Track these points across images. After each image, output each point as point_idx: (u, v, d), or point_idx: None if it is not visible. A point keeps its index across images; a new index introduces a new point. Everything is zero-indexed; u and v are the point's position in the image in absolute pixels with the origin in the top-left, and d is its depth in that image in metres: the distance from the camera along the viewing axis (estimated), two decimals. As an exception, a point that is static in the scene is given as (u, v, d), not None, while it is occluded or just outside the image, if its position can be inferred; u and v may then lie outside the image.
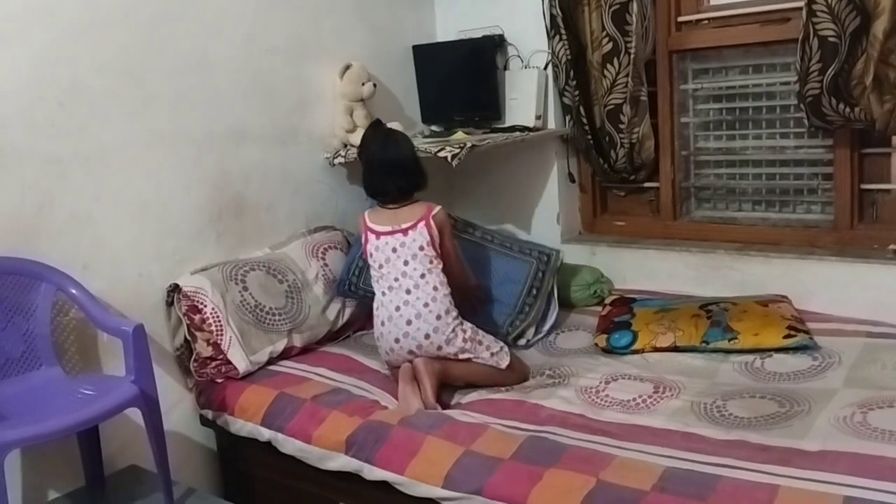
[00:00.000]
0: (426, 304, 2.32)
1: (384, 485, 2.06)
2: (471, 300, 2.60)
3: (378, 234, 2.40)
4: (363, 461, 2.09)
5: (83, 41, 2.27)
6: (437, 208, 2.44)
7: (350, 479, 2.15)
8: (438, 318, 2.32)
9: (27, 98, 2.16)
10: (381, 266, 2.39)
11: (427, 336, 2.31)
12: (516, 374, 2.41)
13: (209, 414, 2.50)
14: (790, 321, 2.44)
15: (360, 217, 2.50)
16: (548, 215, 3.27)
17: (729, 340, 2.41)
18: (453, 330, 2.33)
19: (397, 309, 2.34)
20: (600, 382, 2.30)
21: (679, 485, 1.71)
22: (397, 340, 2.34)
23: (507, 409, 2.18)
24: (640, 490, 1.71)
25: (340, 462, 2.14)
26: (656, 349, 2.48)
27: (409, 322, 2.32)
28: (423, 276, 2.35)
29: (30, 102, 2.16)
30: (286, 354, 2.59)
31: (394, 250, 2.38)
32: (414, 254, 2.37)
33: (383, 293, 2.38)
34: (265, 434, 2.32)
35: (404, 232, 2.38)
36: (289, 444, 2.26)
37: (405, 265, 2.36)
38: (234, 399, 2.42)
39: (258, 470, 2.48)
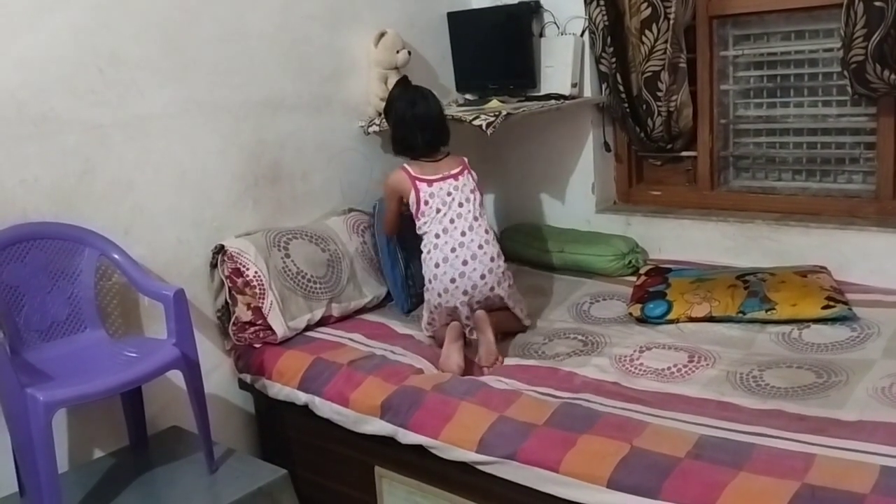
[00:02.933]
0: (480, 246, 2.43)
1: (418, 448, 2.09)
2: None
3: (430, 182, 2.47)
4: (398, 425, 2.12)
5: (122, 9, 2.29)
6: (466, 160, 2.57)
7: (385, 442, 2.18)
8: (492, 259, 2.44)
9: (68, 66, 2.19)
10: (438, 209, 2.46)
11: (483, 276, 2.41)
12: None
13: (247, 378, 2.55)
14: (829, 292, 2.41)
15: (397, 173, 2.52)
16: (583, 185, 3.25)
17: (766, 311, 2.39)
18: (503, 272, 2.46)
19: (453, 250, 2.41)
20: (635, 351, 2.30)
21: (714, 452, 1.71)
22: (453, 280, 2.40)
23: (541, 377, 2.19)
24: (674, 457, 1.72)
25: (376, 426, 2.18)
26: (692, 319, 2.46)
27: (465, 262, 2.40)
28: (476, 218, 2.46)
29: (71, 70, 2.20)
30: (323, 322, 2.63)
31: (448, 194, 2.46)
32: (467, 197, 2.48)
33: (437, 235, 2.45)
34: (302, 398, 2.37)
35: (454, 177, 2.48)
36: (325, 408, 2.30)
37: (460, 206, 2.46)
38: (271, 363, 2.47)
39: (294, 433, 2.53)
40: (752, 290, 2.47)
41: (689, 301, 2.50)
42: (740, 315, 2.41)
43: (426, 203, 2.46)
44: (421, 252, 2.49)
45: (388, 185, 2.57)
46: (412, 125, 2.50)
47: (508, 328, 2.51)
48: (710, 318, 2.45)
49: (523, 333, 2.53)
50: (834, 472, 1.59)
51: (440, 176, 2.47)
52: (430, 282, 2.46)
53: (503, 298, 2.46)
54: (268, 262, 2.52)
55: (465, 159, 2.57)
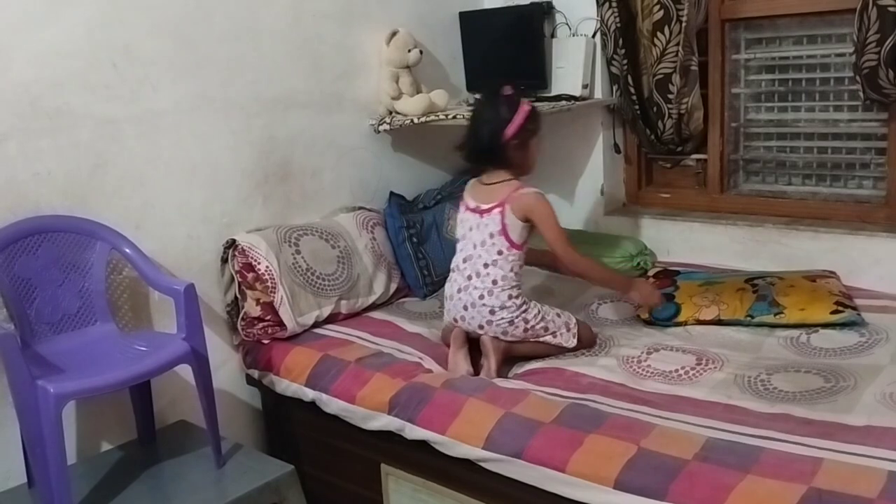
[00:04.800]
0: (481, 297, 2.28)
1: (425, 445, 2.09)
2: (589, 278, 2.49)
3: (466, 207, 2.38)
4: (405, 420, 2.13)
5: (137, 4, 2.30)
6: (524, 191, 2.27)
7: (391, 439, 2.19)
8: (492, 312, 2.27)
9: (83, 60, 2.20)
10: (459, 240, 2.39)
11: (481, 326, 2.29)
12: (582, 346, 2.38)
13: (255, 373, 2.56)
14: (838, 297, 2.41)
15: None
16: (592, 186, 3.25)
17: (775, 315, 2.39)
18: (511, 322, 2.27)
19: (458, 290, 2.33)
20: (642, 353, 2.30)
21: (721, 455, 1.71)
22: (455, 320, 2.35)
23: (549, 377, 2.20)
24: (681, 459, 1.72)
25: (383, 421, 2.18)
26: (699, 322, 2.46)
27: (465, 308, 2.31)
28: (486, 265, 2.28)
29: (85, 65, 2.21)
30: (331, 319, 2.63)
31: (470, 229, 2.35)
32: (483, 240, 2.30)
33: (453, 269, 2.38)
34: (309, 394, 2.37)
35: (481, 213, 2.32)
36: (333, 405, 2.31)
37: (474, 248, 2.32)
38: (279, 360, 2.47)
39: (301, 429, 2.54)
40: (760, 294, 2.47)
41: (698, 304, 2.50)
42: (748, 318, 2.41)
43: (457, 225, 2.42)
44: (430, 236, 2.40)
45: None
46: (466, 137, 2.35)
47: (543, 354, 2.35)
48: (718, 322, 2.44)
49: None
50: (841, 477, 1.59)
51: (474, 206, 2.34)
52: (444, 305, 2.43)
53: (514, 343, 2.32)
54: (279, 258, 2.53)
55: (519, 191, 2.27)
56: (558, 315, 2.37)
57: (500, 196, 2.29)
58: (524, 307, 2.31)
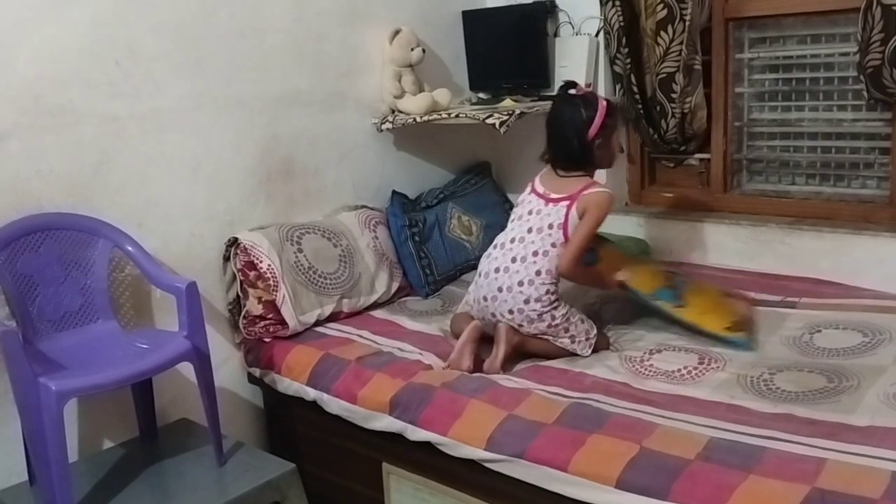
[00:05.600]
0: (520, 283, 2.26)
1: (427, 445, 2.09)
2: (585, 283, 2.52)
3: (532, 190, 2.38)
4: (407, 422, 2.13)
5: (140, 2, 2.30)
6: (594, 190, 2.28)
7: (393, 439, 2.18)
8: (526, 301, 2.26)
9: (86, 58, 2.20)
10: (512, 219, 2.38)
11: (510, 311, 2.28)
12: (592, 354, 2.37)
13: (256, 372, 2.56)
14: (739, 319, 2.37)
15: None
16: (595, 185, 3.24)
17: (674, 306, 2.37)
18: (540, 315, 2.26)
19: (496, 270, 2.31)
20: (645, 353, 2.29)
21: (724, 455, 1.71)
22: (485, 298, 2.32)
23: (551, 377, 2.19)
24: (683, 458, 1.71)
25: (384, 422, 2.18)
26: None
27: (499, 289, 2.29)
28: (535, 253, 2.27)
29: (88, 62, 2.21)
30: (333, 318, 2.63)
31: (529, 212, 2.34)
32: (541, 227, 2.29)
33: (495, 246, 2.37)
34: (311, 393, 2.37)
35: (548, 201, 2.32)
36: (334, 404, 2.31)
37: (528, 233, 2.30)
38: (280, 358, 2.47)
39: (303, 428, 2.54)
40: (672, 284, 2.46)
41: (614, 268, 2.44)
42: (652, 297, 2.39)
43: (517, 204, 2.41)
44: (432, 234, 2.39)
45: None
46: (550, 138, 2.37)
47: (554, 356, 2.33)
48: (622, 285, 2.41)
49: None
50: (844, 477, 1.59)
51: (542, 191, 2.34)
52: (473, 284, 2.41)
53: (534, 335, 2.30)
54: (280, 256, 2.53)
55: (591, 188, 2.28)
56: (582, 321, 2.35)
57: (572, 189, 2.29)
58: (556, 304, 2.30)
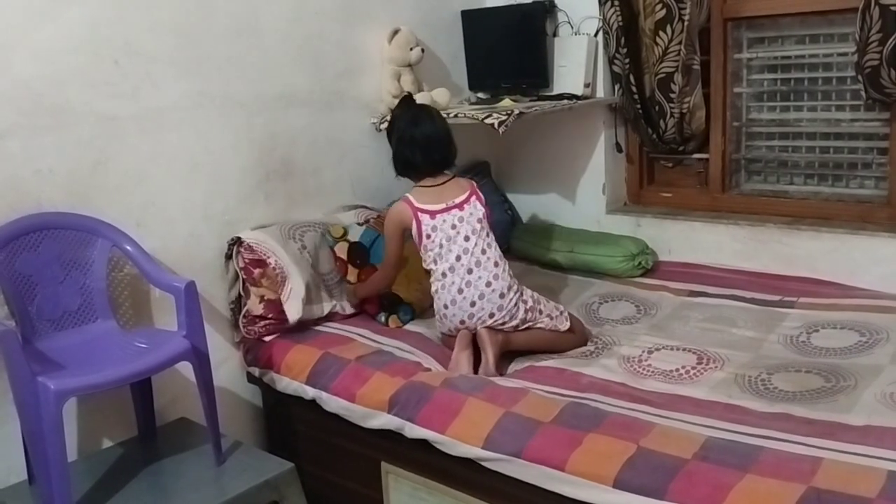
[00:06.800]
0: (488, 283, 2.30)
1: (425, 445, 2.09)
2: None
3: (432, 214, 2.35)
4: (405, 419, 2.13)
5: (138, 1, 2.30)
6: (474, 180, 2.45)
7: (391, 438, 2.19)
8: (501, 296, 2.30)
9: (84, 57, 2.20)
10: (441, 245, 2.34)
11: (491, 315, 2.31)
12: (577, 337, 2.41)
13: (256, 371, 2.56)
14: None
15: (398, 205, 2.42)
16: (593, 185, 3.25)
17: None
18: (515, 304, 2.32)
19: (460, 291, 2.31)
20: (643, 352, 2.30)
21: (720, 454, 1.71)
22: (462, 322, 2.33)
23: (549, 377, 2.20)
24: (680, 458, 1.71)
25: (383, 420, 2.18)
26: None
27: (472, 304, 2.30)
28: (483, 251, 2.33)
29: (86, 61, 2.21)
30: (332, 317, 2.63)
31: (453, 227, 2.34)
32: (473, 228, 2.34)
33: (444, 274, 2.34)
34: (310, 392, 2.37)
35: (459, 207, 2.35)
36: (332, 403, 2.31)
37: (466, 241, 2.33)
38: (279, 357, 2.47)
39: (302, 427, 2.54)
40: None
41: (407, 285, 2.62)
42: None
43: (428, 237, 2.34)
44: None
45: (390, 218, 2.43)
46: (413, 144, 2.38)
47: (540, 345, 2.36)
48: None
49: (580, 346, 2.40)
50: (841, 476, 1.59)
51: (444, 206, 2.34)
52: (440, 318, 2.39)
53: (517, 327, 2.34)
54: (287, 252, 2.52)
55: (474, 183, 2.44)
56: (547, 300, 2.44)
57: (466, 187, 2.41)
58: (520, 289, 2.38)
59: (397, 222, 2.41)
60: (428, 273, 2.41)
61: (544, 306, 2.39)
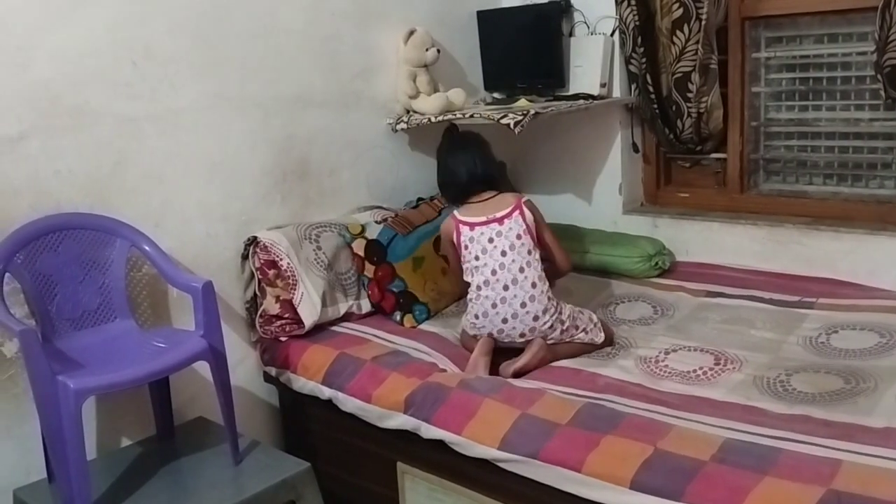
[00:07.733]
0: (523, 304, 2.28)
1: (441, 445, 2.10)
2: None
3: (472, 226, 2.36)
4: (421, 420, 2.13)
5: (156, 3, 2.31)
6: (526, 197, 2.43)
7: (407, 438, 2.19)
8: (535, 318, 2.28)
9: (103, 59, 2.22)
10: (477, 257, 2.34)
11: (522, 335, 2.31)
12: (605, 339, 2.40)
13: (272, 371, 2.57)
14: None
15: (446, 219, 2.47)
16: (610, 185, 3.23)
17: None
18: (551, 326, 2.30)
19: (493, 306, 2.30)
20: (660, 353, 2.29)
21: (738, 456, 1.70)
22: (491, 335, 2.33)
23: (565, 377, 2.19)
24: (698, 460, 1.71)
25: (399, 421, 2.19)
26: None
27: (504, 321, 2.30)
28: (521, 269, 2.30)
29: (105, 63, 2.23)
30: (348, 317, 2.64)
31: (490, 240, 2.33)
32: (511, 244, 2.32)
33: (479, 287, 2.33)
34: (326, 392, 2.38)
35: (499, 221, 2.34)
36: (349, 403, 2.31)
37: (503, 256, 2.31)
38: (296, 357, 2.48)
39: (318, 427, 2.55)
40: None
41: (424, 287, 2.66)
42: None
43: (465, 248, 2.36)
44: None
45: (441, 231, 2.51)
46: (453, 177, 2.47)
47: (574, 355, 2.35)
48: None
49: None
50: (860, 479, 1.58)
51: (484, 219, 2.34)
52: (469, 323, 2.38)
53: (551, 350, 2.32)
54: (299, 254, 2.53)
55: (522, 198, 2.41)
56: (581, 312, 2.40)
57: (510, 201, 2.38)
58: (559, 307, 2.34)
59: (445, 234, 2.48)
60: (467, 286, 2.41)
61: (580, 321, 2.36)
